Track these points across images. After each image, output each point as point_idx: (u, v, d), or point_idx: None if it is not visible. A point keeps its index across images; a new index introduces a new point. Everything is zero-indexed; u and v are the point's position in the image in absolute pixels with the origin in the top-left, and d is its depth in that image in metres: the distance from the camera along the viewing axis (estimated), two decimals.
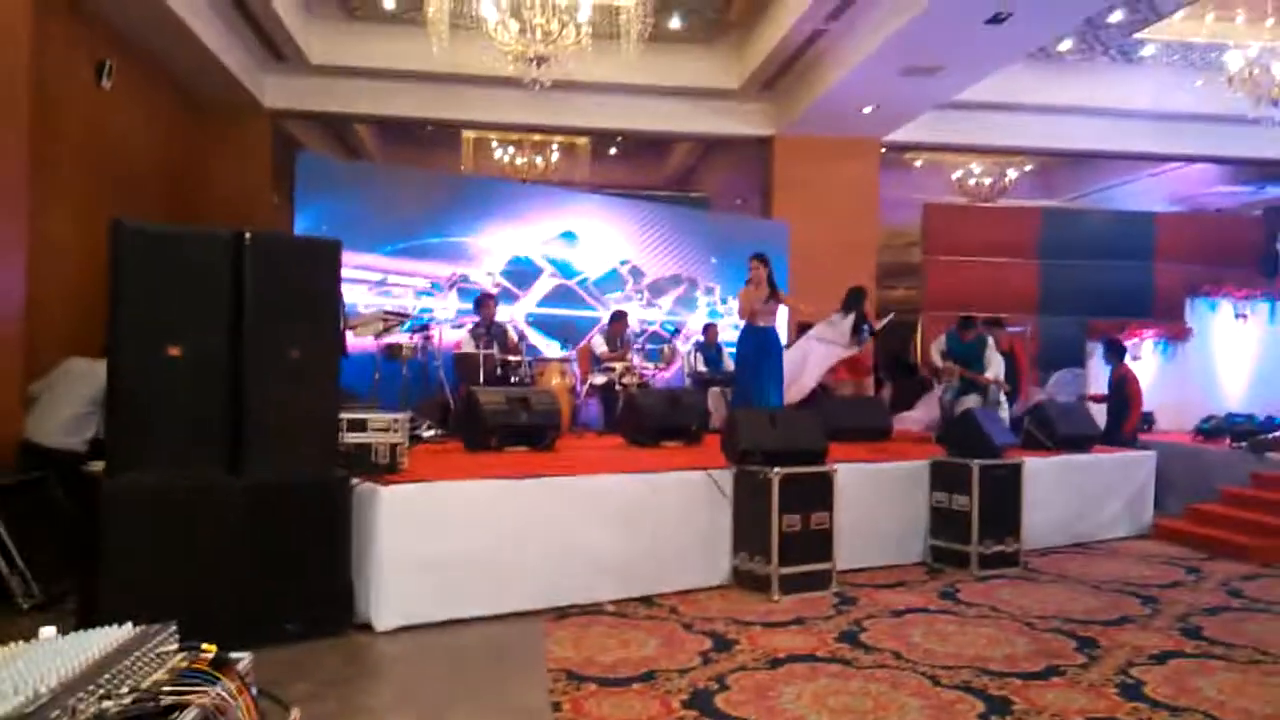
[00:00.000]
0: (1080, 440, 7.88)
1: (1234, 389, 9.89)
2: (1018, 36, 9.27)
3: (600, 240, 11.48)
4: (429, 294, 10.22)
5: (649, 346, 11.11)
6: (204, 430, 4.30)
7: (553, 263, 11.12)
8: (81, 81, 8.39)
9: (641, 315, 11.55)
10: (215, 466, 4.31)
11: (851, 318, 8.96)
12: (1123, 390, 9.36)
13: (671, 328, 11.72)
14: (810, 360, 8.94)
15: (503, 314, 9.83)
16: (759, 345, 8.04)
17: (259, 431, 4.39)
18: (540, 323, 10.88)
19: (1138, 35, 11.29)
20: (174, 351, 4.22)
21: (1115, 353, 9.56)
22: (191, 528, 4.21)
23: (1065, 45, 11.70)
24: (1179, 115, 12.79)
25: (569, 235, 11.23)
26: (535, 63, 9.19)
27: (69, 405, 5.88)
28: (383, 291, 9.84)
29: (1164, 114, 12.81)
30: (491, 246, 10.71)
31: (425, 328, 9.15)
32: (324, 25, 11.34)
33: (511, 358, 8.92)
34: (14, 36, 5.98)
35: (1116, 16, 10.68)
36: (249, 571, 4.30)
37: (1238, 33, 10.59)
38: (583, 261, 11.36)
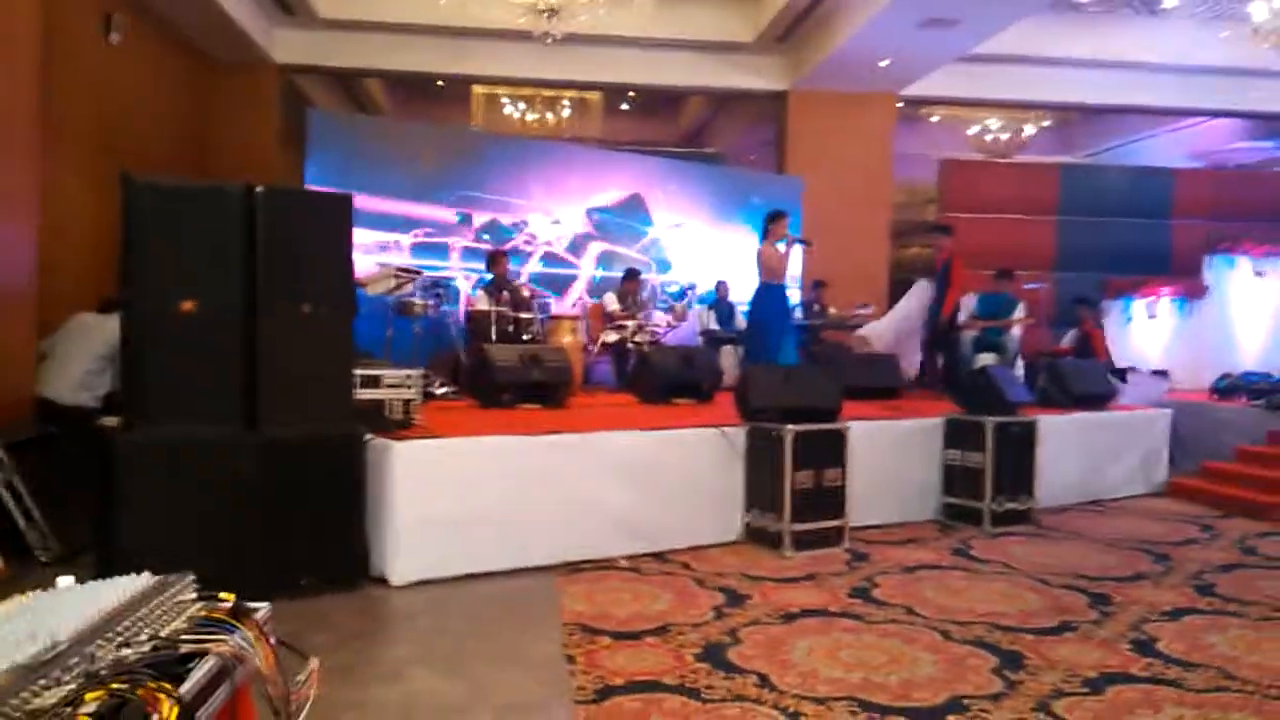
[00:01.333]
0: (1095, 398, 7.85)
1: (1251, 347, 9.80)
2: None
3: (615, 196, 11.40)
4: (442, 251, 10.18)
5: (658, 305, 11.06)
6: (218, 385, 4.31)
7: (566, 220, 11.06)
8: (89, 36, 8.32)
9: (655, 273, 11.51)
10: (230, 421, 4.32)
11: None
12: (1086, 347, 9.34)
13: (682, 288, 11.67)
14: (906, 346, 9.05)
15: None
16: (775, 303, 7.99)
17: (273, 387, 4.39)
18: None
19: None
20: (187, 306, 4.22)
21: (1087, 306, 9.51)
22: (207, 482, 4.23)
23: None
24: (1202, 69, 12.54)
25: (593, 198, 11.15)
26: (547, 15, 9.10)
27: (80, 362, 5.90)
28: (394, 246, 9.81)
29: (1186, 67, 12.56)
30: (506, 203, 10.64)
31: (437, 284, 9.13)
32: None
33: (523, 315, 8.90)
34: None
35: None
36: (265, 526, 4.32)
37: None
38: (600, 218, 11.28)
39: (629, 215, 11.55)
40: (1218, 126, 14.92)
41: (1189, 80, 12.87)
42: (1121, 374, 9.10)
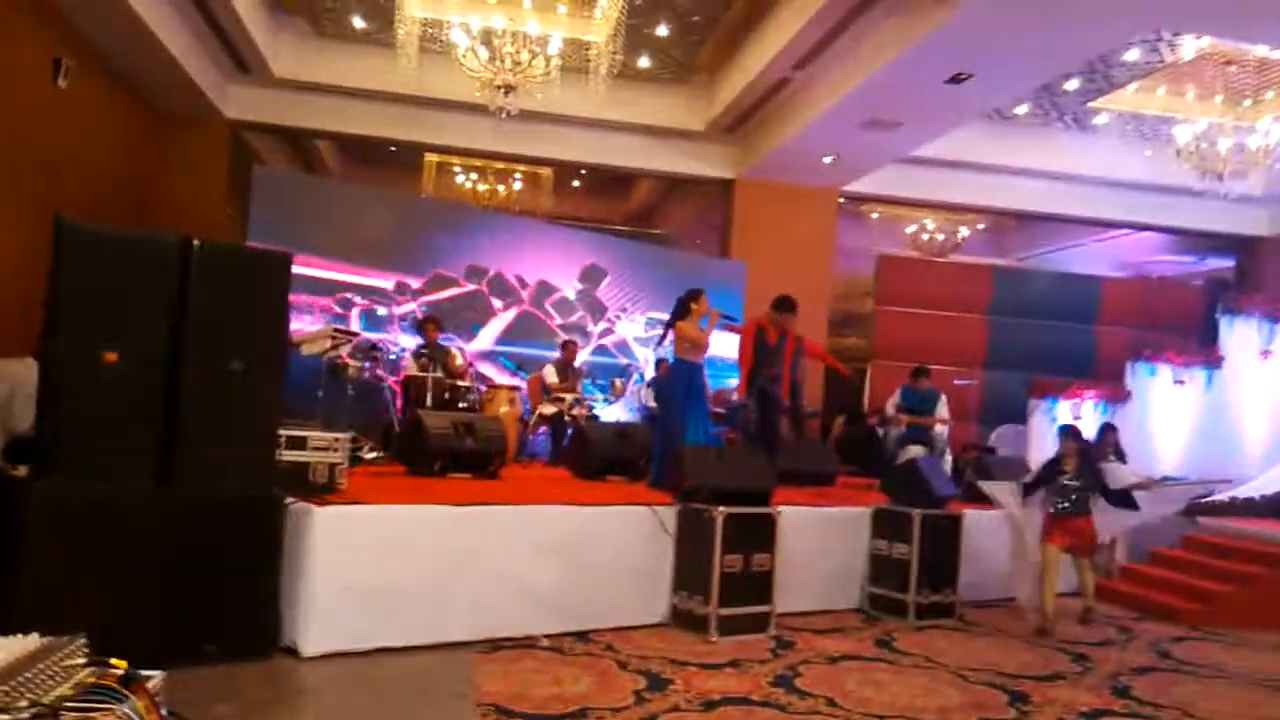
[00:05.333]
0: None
1: (1169, 453, 10.07)
2: (976, 98, 9.52)
3: (559, 272, 11.49)
4: (380, 313, 10.10)
5: (599, 381, 11.08)
6: (137, 438, 4.18)
7: (507, 290, 11.09)
8: (36, 79, 8.23)
9: (594, 349, 11.55)
10: (146, 476, 4.18)
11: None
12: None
13: (623, 363, 11.71)
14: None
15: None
16: (689, 380, 7.86)
17: (194, 443, 4.27)
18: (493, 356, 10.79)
19: (1092, 104, 11.64)
20: (110, 356, 4.10)
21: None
22: (116, 539, 4.07)
23: (1021, 109, 12.02)
24: (1128, 183, 13.18)
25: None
26: (503, 90, 9.23)
27: None
28: (334, 308, 9.71)
29: (1113, 181, 13.19)
30: (451, 272, 10.65)
31: (374, 347, 9.04)
32: (292, 39, 11.26)
33: (460, 382, 8.84)
34: None
35: (1072, 84, 11.01)
36: (174, 588, 4.16)
37: (1187, 107, 10.97)
38: (540, 292, 11.34)
39: (578, 291, 11.64)
40: (1142, 238, 15.60)
41: (1116, 194, 13.50)
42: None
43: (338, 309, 9.76)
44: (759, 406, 8.04)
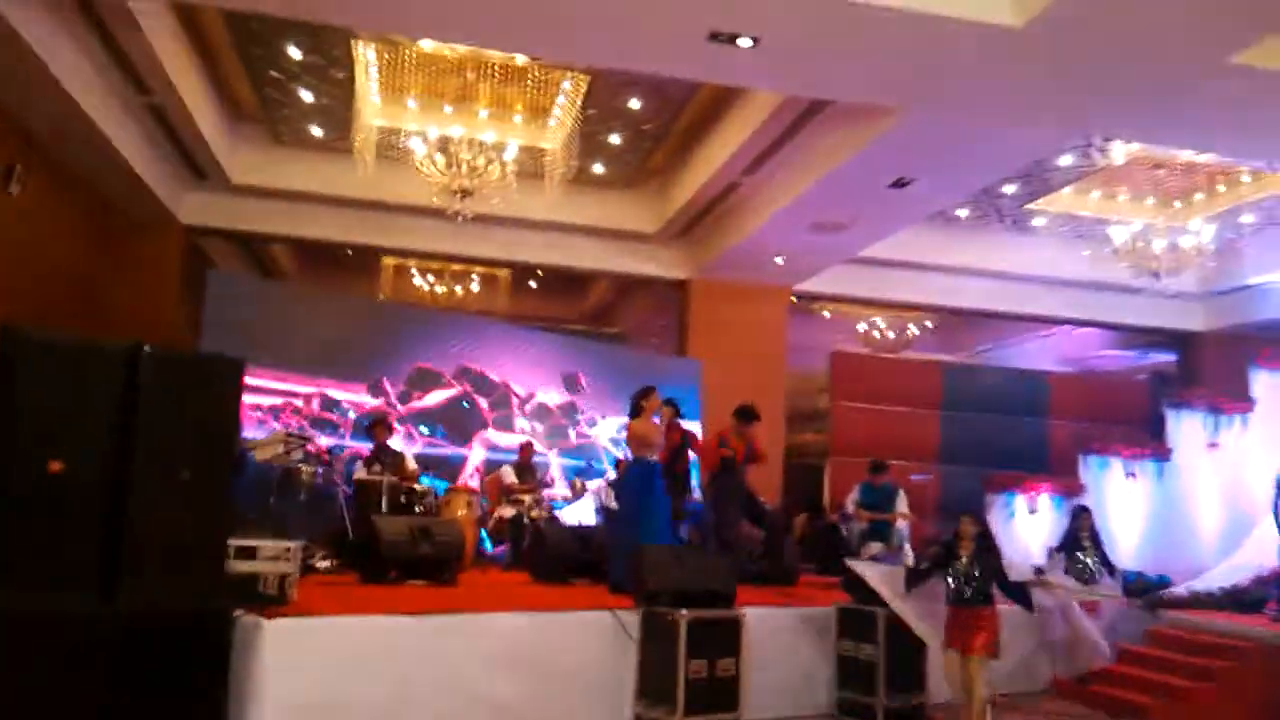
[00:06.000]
0: None
1: (1126, 546, 10.15)
2: (919, 201, 9.88)
3: (516, 373, 11.50)
4: (332, 417, 9.97)
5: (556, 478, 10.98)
6: (80, 551, 4.04)
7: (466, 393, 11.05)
8: None
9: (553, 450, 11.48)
10: (87, 591, 4.02)
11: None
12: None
13: (582, 462, 11.62)
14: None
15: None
16: (646, 478, 7.80)
17: (138, 555, 4.13)
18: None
19: (1030, 206, 12.09)
20: (56, 466, 3.98)
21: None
22: (55, 656, 3.88)
23: (963, 212, 12.44)
24: (1068, 281, 13.62)
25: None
26: (460, 195, 9.36)
27: None
28: (286, 412, 9.56)
29: (1054, 279, 13.63)
30: (403, 373, 10.59)
31: (328, 452, 8.88)
32: (249, 147, 11.33)
33: (416, 486, 8.68)
34: None
35: (1011, 188, 11.45)
36: (114, 706, 3.96)
37: (1121, 209, 11.46)
38: (494, 393, 11.31)
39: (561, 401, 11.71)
40: (1085, 334, 16.04)
41: (1057, 291, 13.93)
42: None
43: (292, 414, 9.61)
44: (716, 506, 8.02)
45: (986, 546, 5.65)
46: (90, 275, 10.65)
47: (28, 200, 8.75)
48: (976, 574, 5.53)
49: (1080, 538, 8.53)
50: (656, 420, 7.80)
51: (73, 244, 10.18)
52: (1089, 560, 8.45)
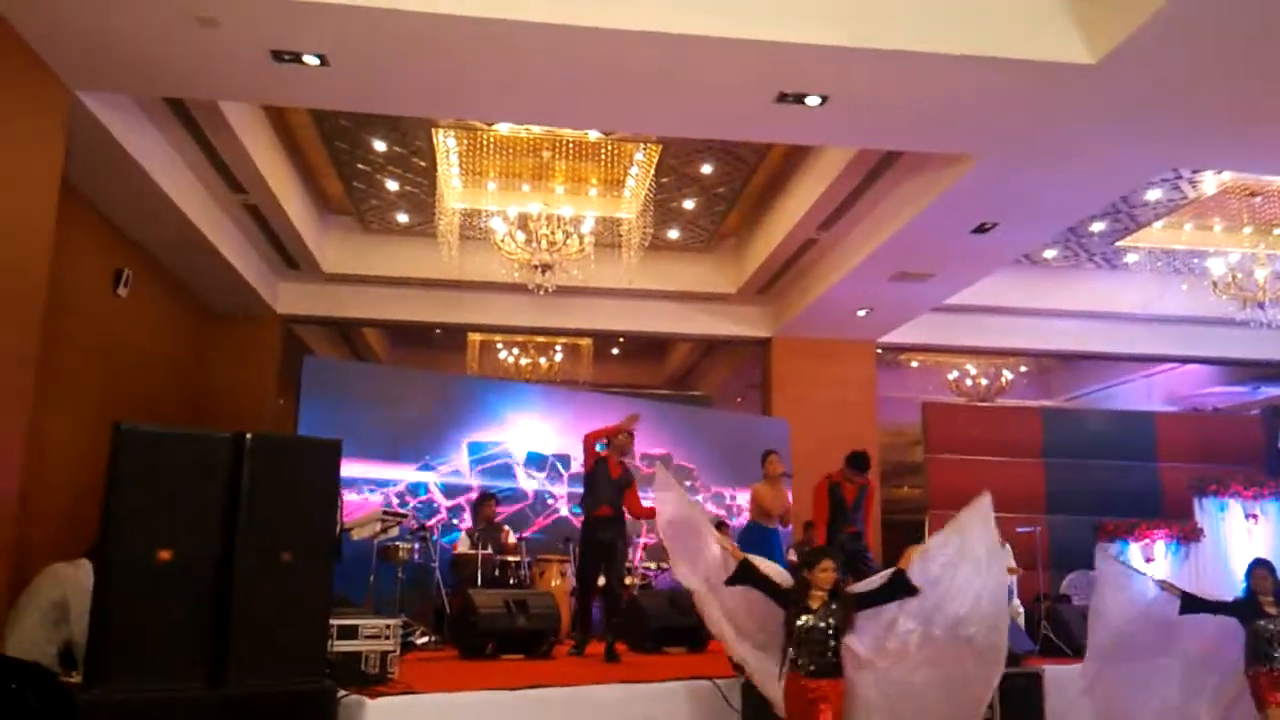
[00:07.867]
0: None
1: None
2: (1003, 246, 9.65)
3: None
4: (427, 493, 10.12)
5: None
6: (188, 638, 4.14)
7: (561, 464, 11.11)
8: (98, 289, 8.66)
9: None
10: (196, 677, 4.11)
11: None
12: None
13: None
14: None
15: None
16: (764, 545, 7.76)
17: (243, 639, 4.21)
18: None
19: (1120, 243, 11.73)
20: (164, 555, 4.12)
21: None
22: None
23: (1050, 253, 12.15)
24: (1167, 318, 13.08)
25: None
26: (541, 270, 9.57)
27: (31, 613, 5.62)
28: (382, 492, 9.75)
29: (1153, 316, 13.10)
30: (501, 447, 10.73)
31: (423, 528, 9.00)
32: (339, 237, 11.85)
33: (510, 558, 8.72)
34: (35, 244, 6.22)
35: (1098, 226, 11.15)
36: None
37: (1216, 239, 11.04)
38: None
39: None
40: (1191, 371, 15.38)
41: (1156, 329, 13.36)
42: None
43: (388, 491, 9.79)
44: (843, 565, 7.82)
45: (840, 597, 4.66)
46: (193, 368, 11.13)
47: (134, 301, 9.23)
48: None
49: (1260, 601, 5.84)
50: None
51: (176, 339, 10.68)
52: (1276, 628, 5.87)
